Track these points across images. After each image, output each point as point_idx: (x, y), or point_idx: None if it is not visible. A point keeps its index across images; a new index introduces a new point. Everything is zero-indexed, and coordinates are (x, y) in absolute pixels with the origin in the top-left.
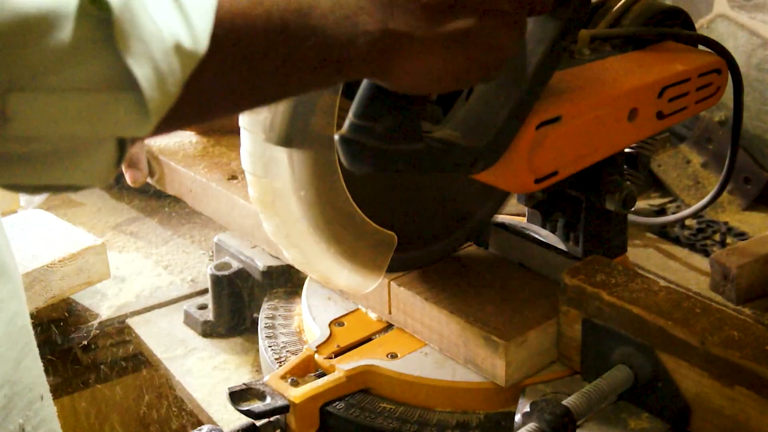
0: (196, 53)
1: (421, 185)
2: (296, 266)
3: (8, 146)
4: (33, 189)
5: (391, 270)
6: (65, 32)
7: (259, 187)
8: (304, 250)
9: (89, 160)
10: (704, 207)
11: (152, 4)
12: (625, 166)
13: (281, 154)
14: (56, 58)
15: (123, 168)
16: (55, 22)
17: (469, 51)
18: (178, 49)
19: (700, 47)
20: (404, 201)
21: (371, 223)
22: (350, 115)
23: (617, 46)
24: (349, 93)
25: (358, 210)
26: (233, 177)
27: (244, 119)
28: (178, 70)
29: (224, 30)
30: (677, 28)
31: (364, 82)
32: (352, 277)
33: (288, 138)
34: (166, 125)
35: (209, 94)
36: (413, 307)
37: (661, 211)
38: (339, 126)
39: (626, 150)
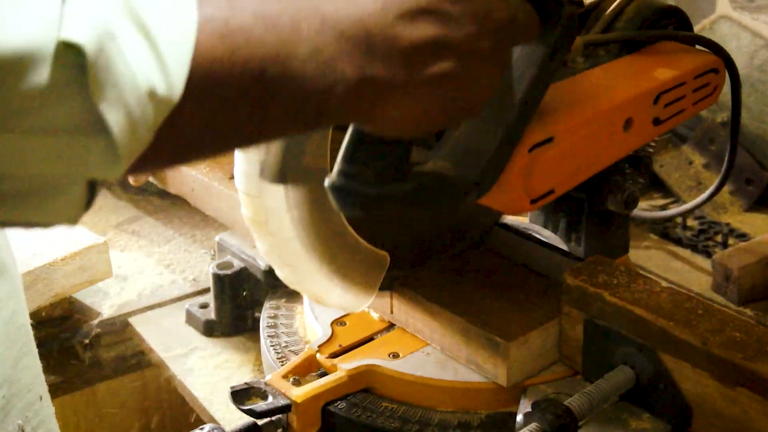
0: (170, 100)
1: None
2: (288, 285)
3: None
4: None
5: (384, 288)
6: (41, 75)
7: (252, 207)
8: (296, 270)
9: (58, 200)
10: (704, 202)
11: (128, 49)
12: (627, 167)
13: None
14: (30, 101)
15: None
16: (31, 65)
17: (452, 92)
18: (152, 95)
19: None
20: (400, 217)
21: (364, 242)
22: (338, 161)
23: (612, 51)
24: (341, 125)
25: (351, 230)
26: None
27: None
28: (150, 117)
29: (200, 76)
30: (671, 28)
31: (351, 127)
32: (344, 296)
33: (282, 176)
34: (140, 167)
35: (183, 139)
36: (415, 306)
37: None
38: (333, 156)
39: None
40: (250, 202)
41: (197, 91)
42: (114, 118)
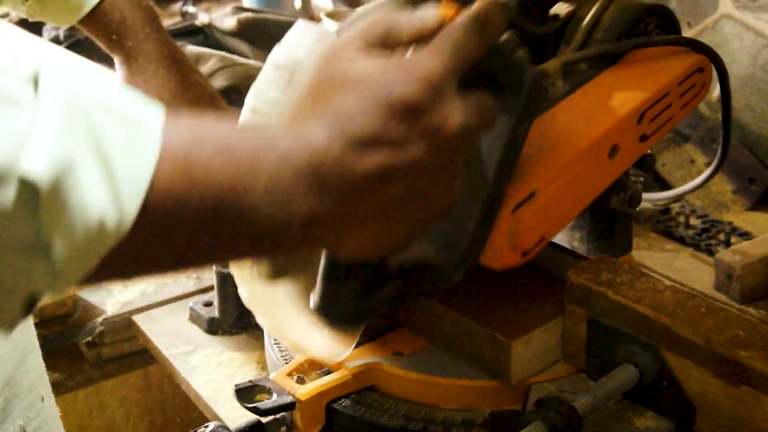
0: (120, 231)
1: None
2: (268, 332)
3: None
4: None
5: (369, 339)
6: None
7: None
8: (278, 318)
9: None
10: (696, 188)
11: (84, 181)
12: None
13: None
14: None
15: None
16: None
17: (411, 212)
18: (101, 228)
19: None
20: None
21: None
22: (318, 282)
23: (593, 64)
24: None
25: None
26: None
27: None
28: (96, 245)
29: (154, 209)
30: (653, 26)
31: (320, 268)
32: (323, 346)
33: (276, 274)
34: (88, 282)
35: (131, 263)
36: (418, 305)
37: (666, 210)
38: None
39: None
40: None
41: (149, 221)
42: (59, 245)
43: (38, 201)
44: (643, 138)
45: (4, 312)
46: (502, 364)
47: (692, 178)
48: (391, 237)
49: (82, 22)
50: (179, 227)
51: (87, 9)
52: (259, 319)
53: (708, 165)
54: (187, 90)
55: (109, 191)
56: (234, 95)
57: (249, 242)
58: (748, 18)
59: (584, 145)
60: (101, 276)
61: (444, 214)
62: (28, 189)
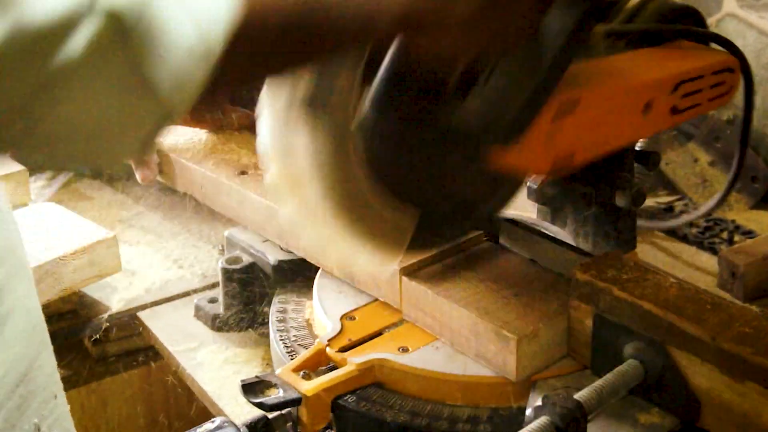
0: (211, 57)
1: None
2: (313, 249)
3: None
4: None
5: (418, 248)
6: (80, 43)
7: (277, 170)
8: (323, 232)
9: (113, 148)
10: (714, 208)
11: (167, 11)
12: (635, 164)
13: (300, 137)
14: (78, 65)
15: (133, 166)
16: (71, 32)
17: (487, 27)
18: (193, 54)
19: (713, 45)
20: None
21: (391, 201)
22: (369, 96)
23: (631, 44)
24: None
25: (378, 188)
26: (243, 172)
27: (266, 100)
28: (194, 75)
29: (240, 31)
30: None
31: (381, 70)
32: (371, 258)
33: (312, 100)
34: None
35: (228, 84)
36: (424, 301)
37: (669, 208)
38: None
39: (636, 147)
40: (276, 165)
41: (237, 44)
42: (158, 79)
43: (126, 33)
44: (674, 110)
45: (125, 153)
46: (508, 360)
47: (695, 177)
48: (463, 45)
49: None
50: (266, 45)
51: None
52: (303, 236)
53: (711, 164)
54: None
55: (192, 19)
56: (238, 94)
57: (335, 46)
58: (751, 17)
59: (629, 85)
60: (203, 105)
61: (511, 42)
62: (114, 22)
